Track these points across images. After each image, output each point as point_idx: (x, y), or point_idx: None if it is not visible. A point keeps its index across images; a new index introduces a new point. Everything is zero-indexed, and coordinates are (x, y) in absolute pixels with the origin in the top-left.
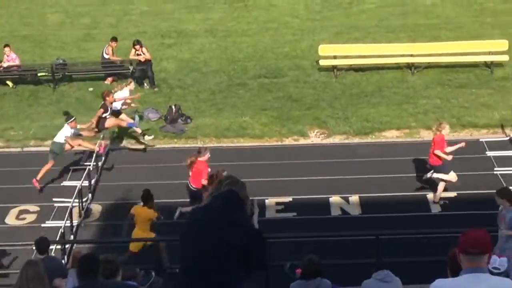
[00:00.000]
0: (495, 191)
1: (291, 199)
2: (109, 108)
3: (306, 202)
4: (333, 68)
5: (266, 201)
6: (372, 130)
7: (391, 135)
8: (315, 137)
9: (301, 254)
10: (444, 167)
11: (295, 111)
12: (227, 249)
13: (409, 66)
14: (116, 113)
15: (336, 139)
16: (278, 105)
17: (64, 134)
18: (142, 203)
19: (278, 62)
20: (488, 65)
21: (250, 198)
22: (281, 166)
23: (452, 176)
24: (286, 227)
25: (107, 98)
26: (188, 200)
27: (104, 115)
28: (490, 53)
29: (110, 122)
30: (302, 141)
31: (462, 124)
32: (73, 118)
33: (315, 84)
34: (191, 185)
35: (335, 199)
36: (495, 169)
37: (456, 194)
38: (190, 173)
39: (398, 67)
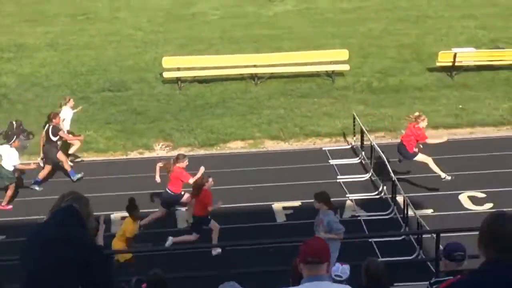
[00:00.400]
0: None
1: None
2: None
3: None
4: (177, 80)
5: (112, 216)
6: (217, 141)
7: (235, 146)
8: (160, 150)
9: (148, 269)
10: (413, 155)
11: (140, 124)
12: (65, 265)
13: (253, 76)
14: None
15: (181, 151)
16: (122, 119)
17: (8, 156)
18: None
19: (122, 75)
20: (330, 74)
21: (97, 214)
22: (126, 180)
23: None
24: (134, 241)
25: (54, 120)
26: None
27: (55, 139)
28: (331, 62)
29: (61, 156)
30: (147, 154)
31: (305, 134)
32: (15, 138)
33: (159, 97)
34: (170, 191)
35: (180, 212)
36: (338, 177)
37: (301, 203)
38: (170, 179)
39: (241, 78)
